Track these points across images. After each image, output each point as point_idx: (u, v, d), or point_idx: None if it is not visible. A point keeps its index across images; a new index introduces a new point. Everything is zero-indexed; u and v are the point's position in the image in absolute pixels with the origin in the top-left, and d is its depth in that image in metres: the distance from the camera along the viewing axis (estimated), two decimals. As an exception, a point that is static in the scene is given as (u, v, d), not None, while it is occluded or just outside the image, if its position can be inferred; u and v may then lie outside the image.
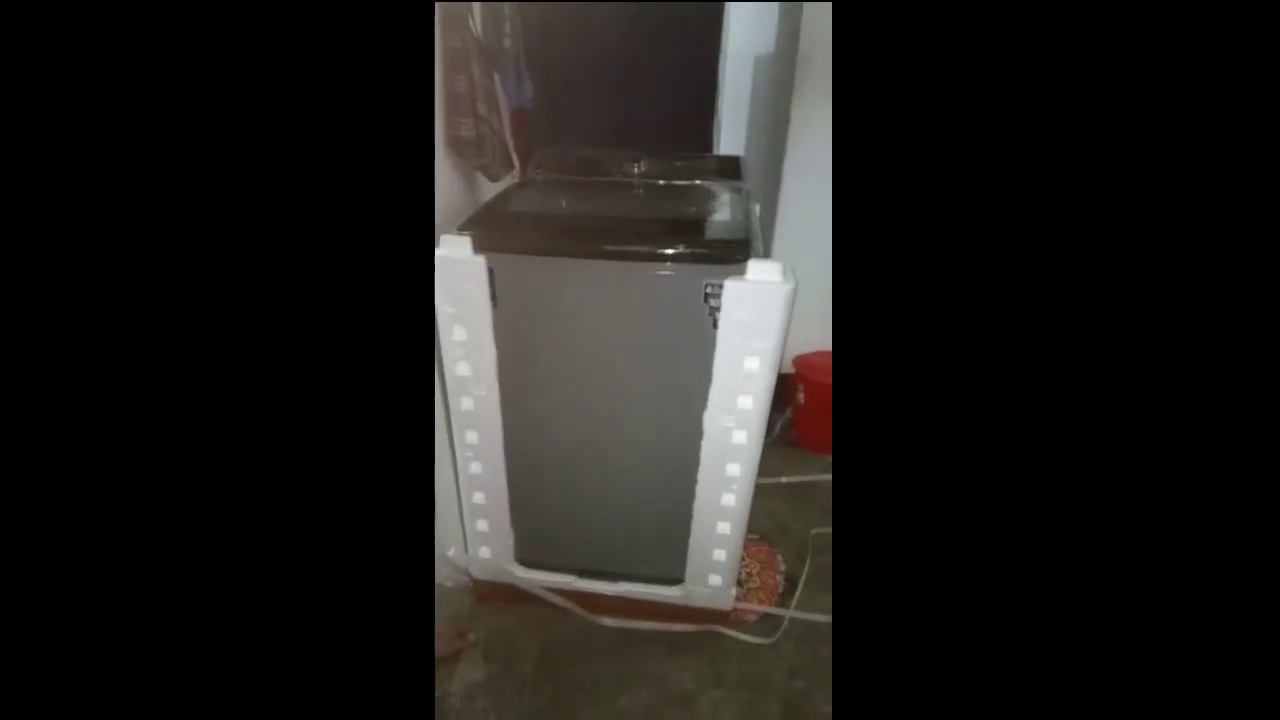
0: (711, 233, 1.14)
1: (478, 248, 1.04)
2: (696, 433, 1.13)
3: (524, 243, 1.07)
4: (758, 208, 1.32)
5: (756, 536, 1.61)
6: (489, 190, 1.37)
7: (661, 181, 1.45)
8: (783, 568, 1.54)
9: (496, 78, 1.34)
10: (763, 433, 1.12)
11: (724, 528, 1.23)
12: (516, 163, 1.46)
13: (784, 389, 1.45)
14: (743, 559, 1.36)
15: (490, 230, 1.06)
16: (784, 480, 1.82)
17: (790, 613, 1.39)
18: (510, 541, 1.34)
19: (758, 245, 1.05)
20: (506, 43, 1.38)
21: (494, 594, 1.40)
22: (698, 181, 1.44)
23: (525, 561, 1.37)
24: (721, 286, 1.00)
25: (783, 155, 1.85)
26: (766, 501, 1.68)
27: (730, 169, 1.52)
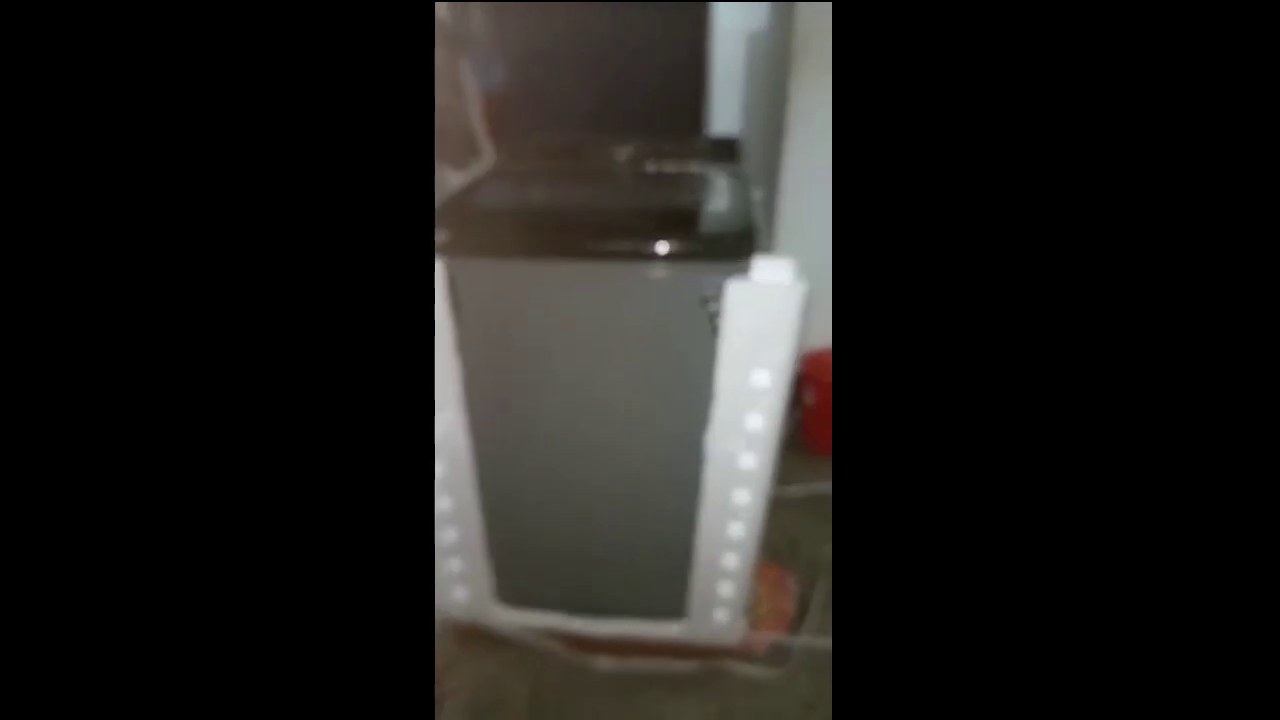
0: (709, 225, 0.98)
1: (436, 251, 0.88)
2: (697, 456, 0.99)
3: (491, 244, 0.91)
4: (759, 194, 1.17)
5: (764, 556, 1.48)
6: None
7: (650, 168, 1.30)
8: (794, 590, 1.40)
9: (465, 63, 1.20)
10: (775, 455, 0.98)
11: (731, 560, 1.09)
12: (486, 150, 1.32)
13: (791, 389, 1.31)
14: (751, 585, 1.23)
15: (451, 230, 0.91)
16: (794, 490, 1.68)
17: (802, 640, 1.27)
18: (489, 581, 1.20)
19: (763, 239, 0.90)
20: (475, 25, 1.24)
21: (475, 635, 1.26)
22: (691, 168, 1.29)
23: (508, 601, 1.22)
24: (723, 289, 0.85)
25: (783, 137, 1.69)
26: (774, 514, 1.52)
27: (726, 152, 1.36)
